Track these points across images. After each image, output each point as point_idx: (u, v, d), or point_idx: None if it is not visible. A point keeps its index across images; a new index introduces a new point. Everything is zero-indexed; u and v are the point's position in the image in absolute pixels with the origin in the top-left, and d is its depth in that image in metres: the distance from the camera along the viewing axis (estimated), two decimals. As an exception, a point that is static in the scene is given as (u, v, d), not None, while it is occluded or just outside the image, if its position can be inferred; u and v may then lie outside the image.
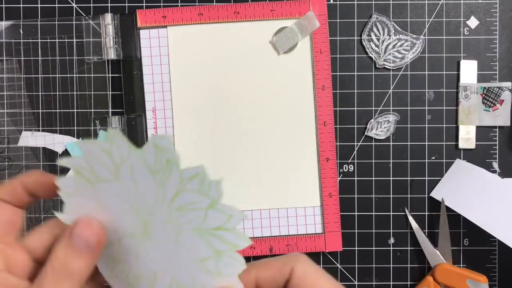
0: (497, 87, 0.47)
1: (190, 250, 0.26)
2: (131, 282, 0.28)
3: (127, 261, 0.27)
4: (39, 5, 0.48)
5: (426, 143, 0.48)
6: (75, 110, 0.48)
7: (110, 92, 0.48)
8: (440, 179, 0.48)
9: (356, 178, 0.49)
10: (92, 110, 0.48)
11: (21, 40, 0.48)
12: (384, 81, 0.48)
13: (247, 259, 0.49)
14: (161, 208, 0.25)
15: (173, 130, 0.48)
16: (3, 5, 0.48)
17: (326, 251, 0.48)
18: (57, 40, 0.48)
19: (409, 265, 0.49)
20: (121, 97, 0.48)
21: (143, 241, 0.27)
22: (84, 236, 0.26)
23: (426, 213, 0.49)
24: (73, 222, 0.26)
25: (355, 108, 0.48)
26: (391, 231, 0.49)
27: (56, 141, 0.48)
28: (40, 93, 0.48)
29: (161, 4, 0.48)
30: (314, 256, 0.49)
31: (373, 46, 0.48)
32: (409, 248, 0.49)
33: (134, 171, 0.25)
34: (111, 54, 0.47)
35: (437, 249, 0.47)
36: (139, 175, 0.25)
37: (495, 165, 0.48)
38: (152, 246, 0.27)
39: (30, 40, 0.48)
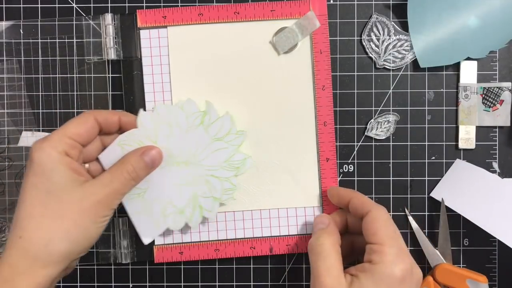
0: (497, 87, 0.48)
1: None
2: (146, 199, 0.44)
3: (149, 183, 0.44)
4: (39, 5, 0.48)
5: (426, 143, 0.49)
6: (75, 110, 0.48)
7: (110, 92, 0.48)
8: (440, 179, 0.48)
9: (356, 178, 0.49)
10: (92, 110, 0.48)
11: (21, 40, 0.48)
12: (384, 81, 0.48)
13: (247, 259, 0.49)
14: (205, 150, 0.45)
15: (173, 130, 0.48)
16: (3, 5, 0.48)
17: (326, 251, 0.48)
18: (57, 40, 0.48)
19: (409, 265, 0.49)
20: (121, 97, 0.48)
21: (176, 171, 0.44)
22: (152, 155, 0.42)
23: (426, 213, 0.49)
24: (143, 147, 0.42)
25: (355, 108, 0.48)
26: (391, 231, 0.49)
27: (56, 141, 0.48)
28: (40, 93, 0.48)
29: (161, 4, 0.48)
30: (314, 256, 0.49)
31: (373, 46, 0.48)
32: (409, 248, 0.49)
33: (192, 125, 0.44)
34: (111, 54, 0.47)
35: (437, 249, 0.47)
36: (195, 129, 0.44)
37: (495, 165, 0.48)
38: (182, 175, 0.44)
39: (30, 40, 0.48)
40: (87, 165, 0.42)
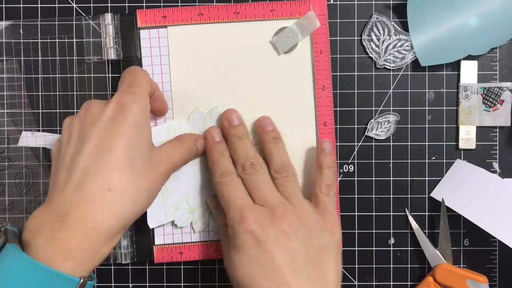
0: (498, 87, 0.47)
1: None
2: (167, 187, 0.45)
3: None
4: (39, 5, 0.48)
5: (426, 143, 0.48)
6: (75, 110, 0.48)
7: (110, 92, 0.48)
8: (440, 179, 0.48)
9: (356, 178, 0.49)
10: (92, 110, 0.48)
11: (21, 40, 0.48)
12: (384, 81, 0.48)
13: (247, 259, 0.49)
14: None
15: (173, 130, 0.48)
16: (3, 5, 0.48)
17: (326, 251, 0.48)
18: (57, 40, 0.48)
19: (409, 266, 0.49)
20: (121, 97, 0.48)
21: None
22: (202, 144, 0.44)
23: (426, 213, 0.49)
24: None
25: (355, 108, 0.48)
26: (391, 231, 0.49)
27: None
28: (40, 93, 0.48)
29: (161, 4, 0.48)
30: (314, 256, 0.49)
31: (373, 46, 0.48)
32: (409, 248, 0.49)
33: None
34: (111, 54, 0.47)
35: (437, 249, 0.47)
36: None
37: (495, 165, 0.48)
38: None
39: (30, 40, 0.48)
40: None
